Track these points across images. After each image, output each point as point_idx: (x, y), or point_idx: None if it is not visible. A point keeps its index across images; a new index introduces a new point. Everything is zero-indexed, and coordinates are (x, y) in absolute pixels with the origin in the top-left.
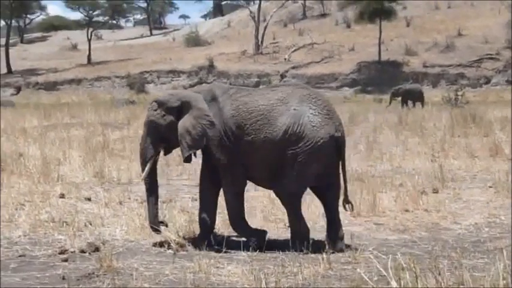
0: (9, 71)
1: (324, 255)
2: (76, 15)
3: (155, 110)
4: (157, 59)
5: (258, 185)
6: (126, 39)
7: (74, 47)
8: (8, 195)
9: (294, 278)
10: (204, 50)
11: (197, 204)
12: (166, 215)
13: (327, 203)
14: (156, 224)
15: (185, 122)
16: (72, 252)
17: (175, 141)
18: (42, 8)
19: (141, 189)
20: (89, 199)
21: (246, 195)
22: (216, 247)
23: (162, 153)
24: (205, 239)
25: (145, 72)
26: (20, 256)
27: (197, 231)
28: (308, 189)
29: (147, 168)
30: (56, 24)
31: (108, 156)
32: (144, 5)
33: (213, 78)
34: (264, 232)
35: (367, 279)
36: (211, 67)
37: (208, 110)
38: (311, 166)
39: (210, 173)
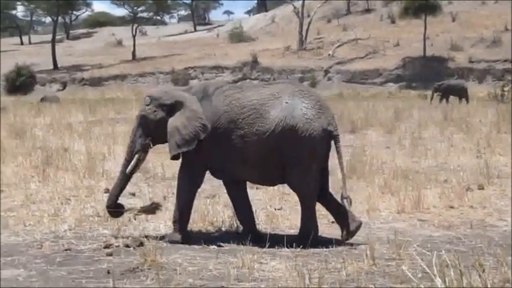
0: (56, 67)
1: (368, 252)
2: (121, 12)
3: (147, 105)
4: (201, 55)
5: (252, 182)
6: (170, 35)
7: (119, 43)
8: (53, 189)
9: (338, 274)
10: (248, 46)
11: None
12: (210, 211)
13: (325, 193)
14: (112, 205)
15: (176, 121)
16: (116, 246)
17: (162, 138)
18: (88, 5)
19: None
20: (133, 194)
21: (290, 190)
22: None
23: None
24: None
25: (190, 68)
26: (65, 250)
27: (240, 226)
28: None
29: (133, 162)
30: (101, 21)
31: (152, 152)
32: (189, 1)
33: (257, 74)
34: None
35: (411, 276)
36: (255, 63)
37: (202, 112)
38: (313, 160)
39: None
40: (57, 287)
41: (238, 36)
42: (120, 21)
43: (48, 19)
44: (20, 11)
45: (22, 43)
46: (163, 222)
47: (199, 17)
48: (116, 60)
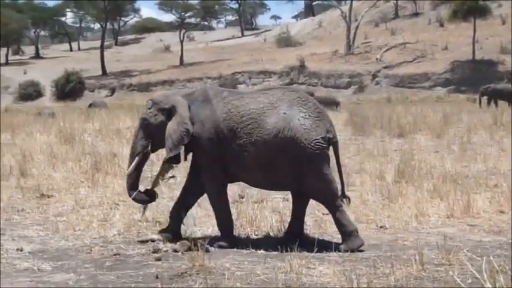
0: (104, 73)
1: (417, 257)
2: (169, 17)
3: (149, 109)
4: (249, 60)
5: (256, 187)
6: (217, 41)
7: (167, 48)
8: (103, 195)
9: (386, 279)
10: (295, 51)
11: (288, 204)
12: (258, 216)
13: (306, 199)
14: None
15: (170, 126)
16: (165, 251)
17: (161, 141)
18: (136, 11)
19: (233, 189)
20: None
21: None
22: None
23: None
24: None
25: (237, 73)
26: (114, 255)
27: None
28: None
29: (134, 163)
30: (149, 27)
31: None
32: (236, 6)
33: (304, 78)
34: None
35: (460, 282)
36: (302, 67)
37: (187, 117)
38: (323, 164)
39: (197, 172)
40: None
41: (285, 41)
42: (168, 27)
43: (97, 25)
44: (69, 17)
45: (71, 49)
46: (211, 227)
47: (246, 22)
48: (163, 66)
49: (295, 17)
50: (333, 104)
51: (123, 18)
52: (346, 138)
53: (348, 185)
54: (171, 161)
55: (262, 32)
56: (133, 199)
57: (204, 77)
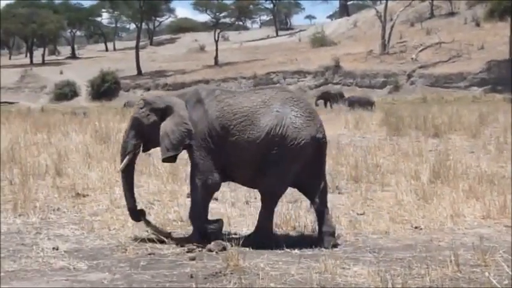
0: (139, 72)
1: (453, 258)
2: (203, 17)
3: (141, 108)
4: (283, 60)
5: (244, 185)
6: (252, 40)
7: (201, 48)
8: (137, 194)
9: (421, 280)
10: (330, 51)
11: None
12: (293, 215)
13: (314, 201)
14: (136, 215)
15: (166, 126)
16: (199, 251)
17: (155, 141)
18: (171, 11)
19: None
20: (216, 199)
21: (373, 195)
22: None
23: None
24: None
25: (272, 73)
26: (149, 254)
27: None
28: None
29: (125, 161)
30: (184, 27)
31: None
32: (271, 6)
33: (339, 78)
34: (220, 220)
35: (496, 284)
36: (337, 67)
37: (187, 118)
38: (292, 166)
39: None
40: None
41: (320, 41)
42: (203, 27)
43: (132, 26)
44: (105, 18)
45: (107, 49)
46: (245, 227)
47: (281, 21)
48: (198, 66)
49: (330, 16)
50: (367, 104)
51: (158, 19)
52: (381, 139)
53: (383, 185)
54: (168, 161)
55: (296, 32)
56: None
57: (239, 77)
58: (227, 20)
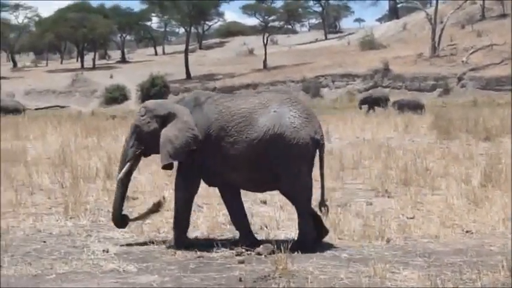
0: (188, 76)
1: (504, 263)
2: (252, 21)
3: (142, 116)
4: (332, 63)
5: (241, 188)
6: (301, 44)
7: (250, 52)
8: None
9: (472, 285)
10: (379, 54)
11: (372, 208)
12: (341, 219)
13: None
14: (119, 219)
15: (168, 132)
16: (248, 254)
17: (155, 148)
18: (220, 15)
19: (315, 193)
20: (265, 202)
21: (423, 199)
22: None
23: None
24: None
25: (320, 77)
26: (198, 257)
27: (372, 235)
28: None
29: (124, 169)
30: (233, 30)
31: None
32: (320, 9)
33: (389, 81)
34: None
35: None
36: (386, 70)
37: (193, 123)
38: (302, 166)
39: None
40: None
41: (369, 44)
42: (252, 31)
43: (182, 30)
44: (154, 22)
45: (156, 53)
46: (294, 230)
47: (330, 25)
48: (247, 69)
49: (379, 19)
50: (417, 107)
51: (207, 22)
52: (431, 142)
53: (433, 189)
54: (166, 168)
55: (345, 35)
56: (114, 222)
57: (287, 80)
58: (276, 23)
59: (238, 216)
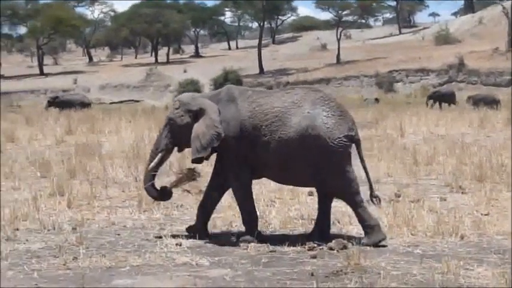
0: (261, 71)
1: None
2: (326, 16)
3: (176, 109)
4: (406, 58)
5: (280, 183)
6: (374, 38)
7: (323, 46)
8: (259, 192)
9: None
10: (453, 48)
11: (445, 204)
12: (415, 215)
13: (330, 196)
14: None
15: (198, 128)
16: (320, 249)
17: (187, 141)
18: (293, 9)
19: (388, 188)
20: None
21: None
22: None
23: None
24: (199, 232)
25: (394, 71)
26: (270, 251)
27: (446, 231)
28: None
29: (156, 159)
30: (306, 25)
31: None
32: (394, 3)
33: (463, 76)
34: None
35: None
36: (461, 65)
37: (218, 121)
38: (344, 163)
39: (221, 169)
40: None
41: (444, 39)
42: (325, 25)
43: (255, 24)
44: (228, 17)
45: (230, 48)
46: None
47: (404, 19)
48: (320, 64)
49: (455, 13)
50: (492, 102)
51: (280, 17)
52: (507, 138)
53: (509, 185)
54: (195, 161)
55: (420, 30)
56: (146, 189)
57: (361, 75)
58: (349, 18)
59: (324, 213)
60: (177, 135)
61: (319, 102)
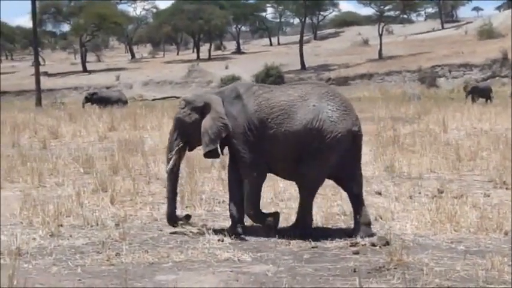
0: (303, 67)
1: None
2: (367, 11)
3: (182, 108)
4: (449, 53)
5: (284, 178)
6: (417, 33)
7: (365, 42)
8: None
9: None
10: (497, 43)
11: (489, 200)
12: (458, 211)
13: (351, 192)
14: (173, 219)
15: (205, 123)
16: (363, 245)
17: (198, 139)
18: (335, 5)
19: (431, 184)
20: (379, 193)
21: None
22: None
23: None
24: (235, 230)
25: (437, 66)
26: (312, 247)
27: (489, 227)
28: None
29: (171, 161)
30: (348, 20)
31: (398, 151)
32: None
33: (507, 71)
34: (277, 214)
35: None
36: (505, 60)
37: (224, 113)
38: (330, 158)
39: (235, 165)
40: (304, 286)
41: (487, 33)
42: (367, 21)
43: (296, 20)
44: (269, 13)
45: (271, 44)
46: (409, 222)
47: (446, 14)
48: (362, 59)
49: (498, 8)
50: None
51: (322, 13)
52: None
53: None
54: (210, 156)
55: (463, 24)
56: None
57: (403, 71)
58: (391, 13)
59: (357, 209)
60: (187, 133)
61: (325, 97)
